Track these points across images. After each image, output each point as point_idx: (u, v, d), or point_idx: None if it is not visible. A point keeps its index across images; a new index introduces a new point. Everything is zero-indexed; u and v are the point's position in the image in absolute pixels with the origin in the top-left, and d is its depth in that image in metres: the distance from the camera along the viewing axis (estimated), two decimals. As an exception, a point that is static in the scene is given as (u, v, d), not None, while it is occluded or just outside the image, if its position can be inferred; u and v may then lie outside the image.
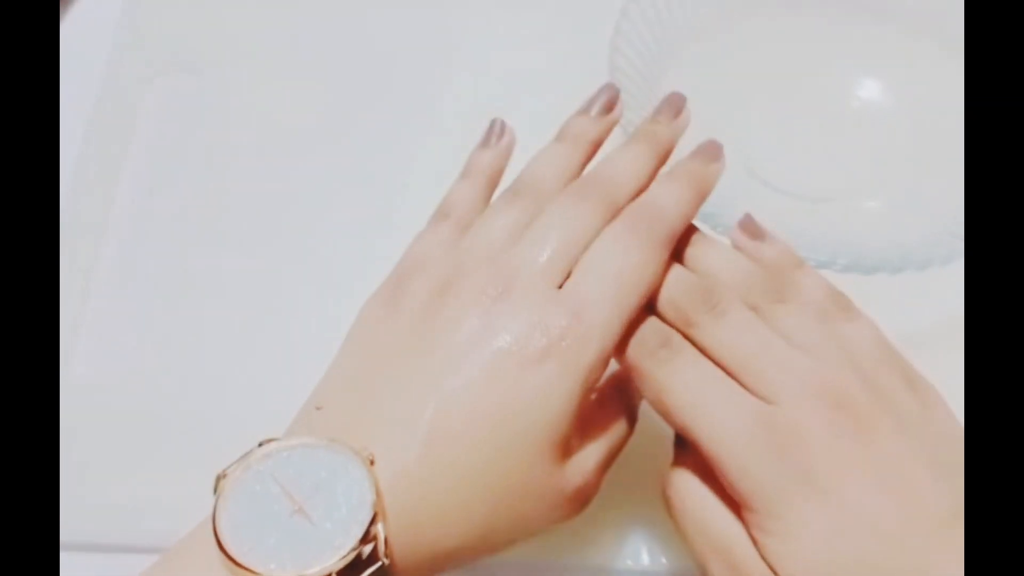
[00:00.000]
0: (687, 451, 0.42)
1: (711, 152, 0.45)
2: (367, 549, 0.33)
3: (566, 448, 0.39)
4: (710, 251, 0.44)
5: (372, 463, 0.35)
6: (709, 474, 0.40)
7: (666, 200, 0.42)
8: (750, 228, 0.44)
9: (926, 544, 0.35)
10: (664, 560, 0.50)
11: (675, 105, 0.46)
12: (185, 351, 0.58)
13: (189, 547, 0.35)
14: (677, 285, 0.41)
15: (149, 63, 0.67)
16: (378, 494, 0.34)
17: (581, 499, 0.41)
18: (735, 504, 0.39)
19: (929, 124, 0.61)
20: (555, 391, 0.37)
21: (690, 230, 0.44)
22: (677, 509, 0.41)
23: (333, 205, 0.63)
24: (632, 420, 0.44)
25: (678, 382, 0.39)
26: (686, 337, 0.40)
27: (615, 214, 0.41)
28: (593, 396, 0.43)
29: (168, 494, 0.48)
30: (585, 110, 0.46)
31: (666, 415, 0.40)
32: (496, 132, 0.47)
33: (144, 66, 0.67)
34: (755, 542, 0.38)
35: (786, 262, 0.43)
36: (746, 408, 0.38)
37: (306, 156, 0.65)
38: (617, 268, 0.39)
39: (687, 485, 0.41)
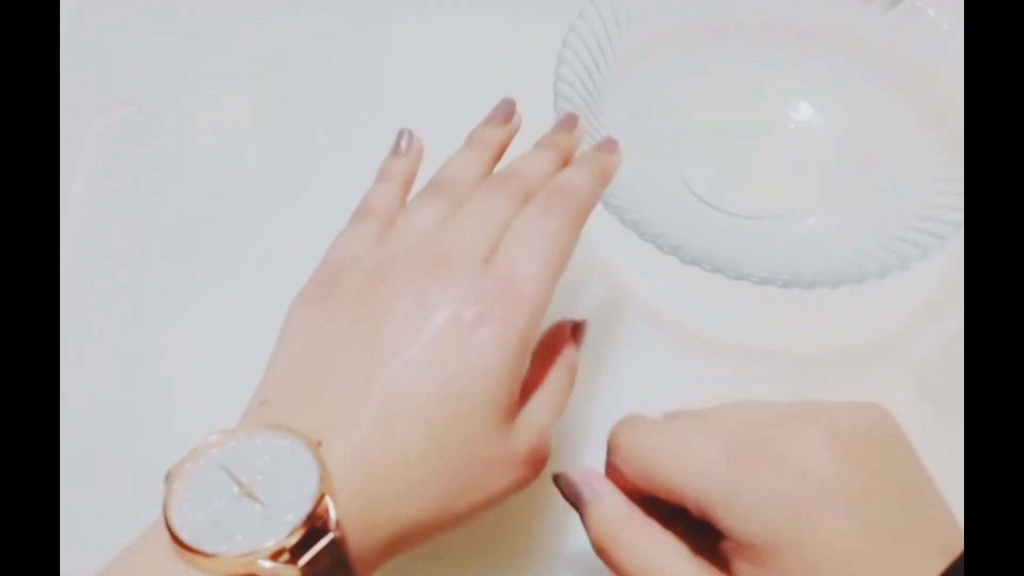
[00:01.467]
0: (605, 494, 0.41)
1: (609, 145, 0.50)
2: (317, 525, 0.34)
3: (512, 411, 0.40)
4: None
5: (319, 445, 0.36)
6: (632, 517, 0.40)
7: (574, 179, 0.46)
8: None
9: (900, 567, 0.35)
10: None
11: (570, 122, 0.51)
12: (134, 384, 0.58)
13: (144, 541, 0.36)
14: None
15: (92, 96, 0.69)
16: (325, 473, 0.35)
17: (536, 461, 0.42)
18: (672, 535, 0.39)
19: (860, 144, 0.64)
20: (495, 355, 0.39)
21: None
22: (614, 558, 0.40)
23: (282, 235, 0.64)
24: (571, 375, 0.46)
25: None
26: None
27: (528, 200, 0.44)
28: (529, 359, 0.44)
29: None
30: (488, 121, 0.51)
31: (647, 483, 0.40)
32: (405, 140, 0.51)
33: (88, 99, 0.68)
34: (730, 570, 0.37)
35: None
36: (717, 444, 0.38)
37: (253, 187, 0.66)
38: (538, 236, 0.42)
39: (617, 531, 0.40)
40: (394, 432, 0.37)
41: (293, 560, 0.33)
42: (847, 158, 0.64)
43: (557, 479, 0.43)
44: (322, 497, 0.34)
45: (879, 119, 0.64)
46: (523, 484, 0.42)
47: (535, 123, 0.53)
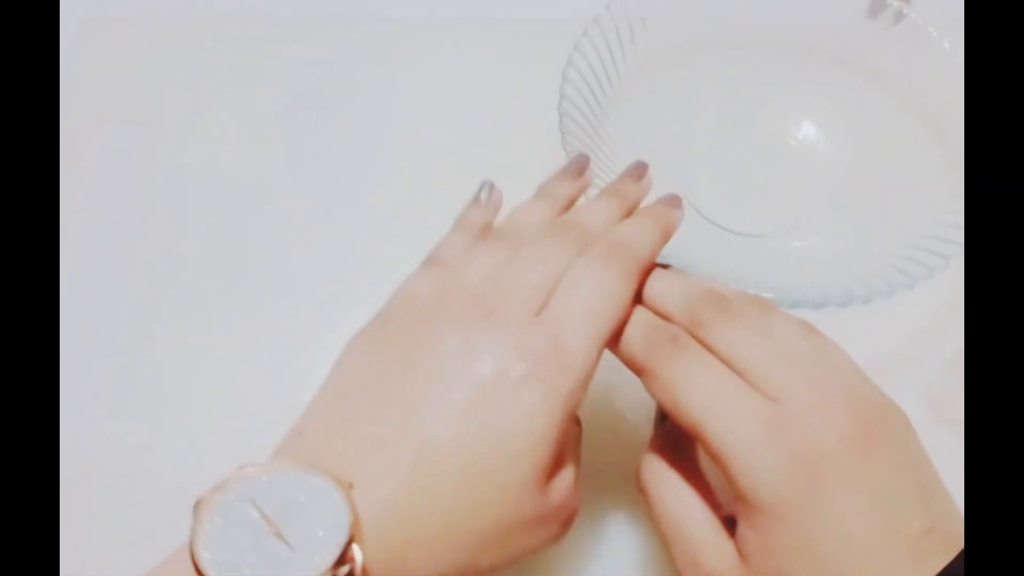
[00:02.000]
0: (662, 440, 0.44)
1: (673, 200, 0.49)
2: (344, 571, 0.34)
3: (550, 473, 0.40)
4: (700, 278, 0.46)
5: (351, 487, 0.35)
6: (680, 464, 0.43)
7: (634, 235, 0.45)
8: None
9: (899, 561, 0.37)
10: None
11: (639, 170, 0.50)
12: (133, 407, 0.59)
13: (167, 571, 0.36)
14: (690, 292, 0.44)
15: (93, 112, 0.69)
16: (355, 517, 0.34)
17: (565, 519, 0.42)
18: (707, 493, 0.42)
19: (863, 162, 0.64)
20: (538, 417, 0.39)
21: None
22: (648, 495, 0.44)
23: (283, 251, 0.64)
24: (579, 426, 0.45)
25: (687, 378, 0.41)
26: (694, 338, 0.42)
27: (587, 250, 0.44)
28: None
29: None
30: (560, 173, 0.50)
31: (674, 410, 0.41)
32: (486, 191, 0.50)
33: (88, 115, 0.68)
34: (735, 532, 0.40)
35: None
36: (754, 406, 0.39)
37: (254, 206, 0.66)
38: (591, 295, 0.42)
39: (659, 472, 0.43)
40: (426, 483, 0.37)
41: None
42: (850, 176, 0.64)
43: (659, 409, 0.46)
44: (350, 543, 0.34)
45: (882, 137, 0.64)
46: (552, 541, 0.42)
47: (540, 143, 0.54)
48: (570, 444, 0.43)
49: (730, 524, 0.41)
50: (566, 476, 0.41)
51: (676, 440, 0.45)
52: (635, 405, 0.48)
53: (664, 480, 0.43)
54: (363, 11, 0.74)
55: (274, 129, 0.69)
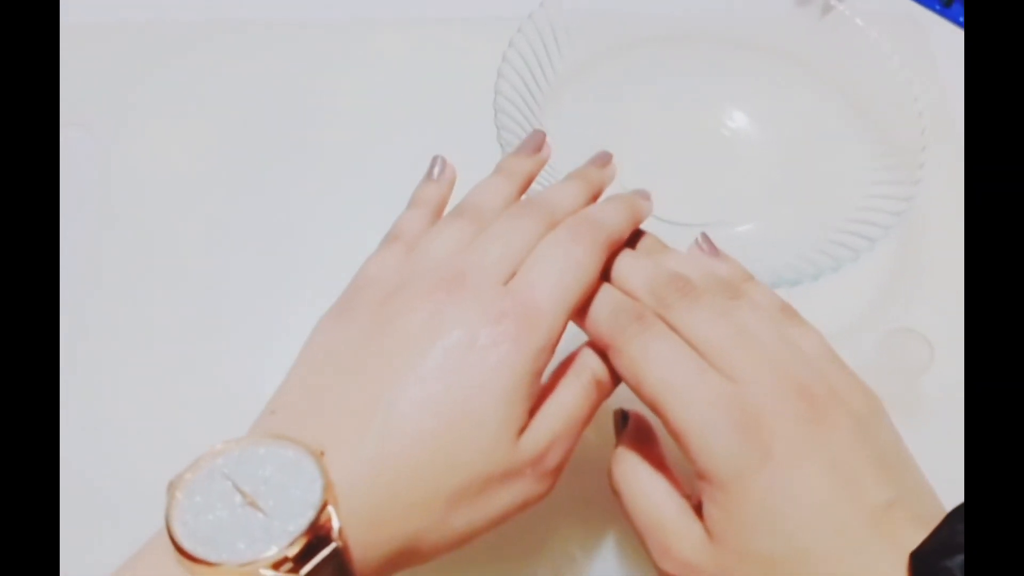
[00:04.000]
0: (628, 433, 0.46)
1: (644, 193, 0.51)
2: (319, 535, 0.34)
3: (519, 428, 0.41)
4: (677, 257, 0.48)
5: (322, 455, 0.36)
6: (647, 457, 0.45)
7: (602, 215, 0.47)
8: (706, 247, 0.49)
9: (863, 533, 0.38)
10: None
11: (604, 159, 0.53)
12: (101, 410, 0.59)
13: (147, 550, 0.36)
14: (655, 274, 0.45)
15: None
16: (328, 482, 0.35)
17: (541, 473, 0.42)
18: (675, 482, 0.43)
19: (793, 150, 0.67)
20: (505, 377, 0.40)
21: (661, 244, 0.50)
22: (618, 488, 0.45)
23: (230, 259, 0.65)
24: (592, 388, 0.45)
25: (650, 355, 0.42)
26: (660, 318, 0.44)
27: (554, 227, 0.45)
28: (545, 379, 0.44)
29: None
30: (517, 151, 0.52)
31: (636, 387, 0.42)
32: (438, 167, 0.51)
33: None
34: (700, 512, 0.41)
35: (738, 275, 0.48)
36: (713, 385, 0.41)
37: (200, 210, 0.67)
38: (559, 263, 0.43)
39: (628, 465, 0.45)
40: (397, 445, 0.38)
41: (295, 570, 0.34)
42: (781, 164, 0.66)
43: (617, 412, 0.48)
44: (324, 506, 0.35)
45: (811, 126, 0.66)
46: (531, 499, 0.42)
47: (476, 138, 0.56)
48: (549, 403, 0.43)
49: (699, 509, 0.42)
50: (540, 429, 0.42)
51: (641, 434, 0.46)
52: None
53: (632, 474, 0.45)
54: (308, 15, 0.77)
55: (222, 136, 0.70)
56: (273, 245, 0.65)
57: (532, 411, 0.42)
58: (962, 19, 0.80)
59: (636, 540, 0.44)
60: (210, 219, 0.66)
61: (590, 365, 0.45)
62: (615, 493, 0.45)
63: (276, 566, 0.34)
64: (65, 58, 0.68)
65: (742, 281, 0.48)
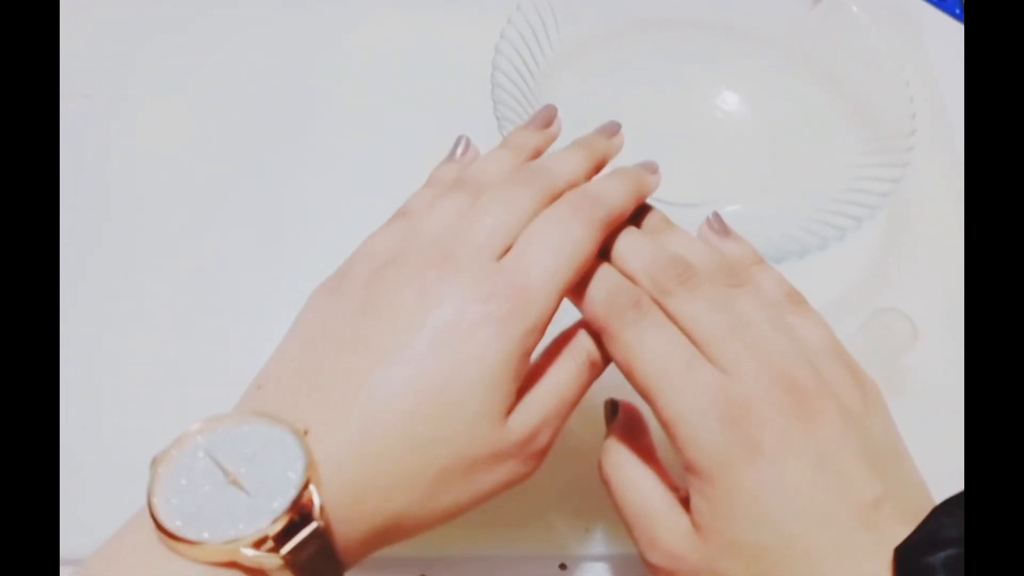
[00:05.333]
0: (619, 423, 0.46)
1: (651, 166, 0.50)
2: (301, 514, 0.35)
3: (506, 408, 0.41)
4: (682, 238, 0.47)
5: (306, 434, 0.36)
6: (635, 449, 0.45)
7: (604, 190, 0.45)
8: (716, 226, 0.49)
9: (848, 528, 0.38)
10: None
11: (612, 128, 0.52)
12: (99, 383, 0.60)
13: (129, 528, 0.36)
14: (656, 257, 0.45)
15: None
16: (311, 461, 0.35)
17: (528, 454, 0.42)
18: (663, 474, 0.43)
19: (784, 132, 0.67)
20: (490, 355, 0.39)
21: (666, 221, 0.49)
22: (607, 478, 0.45)
23: (231, 232, 0.66)
24: (583, 370, 0.45)
25: (644, 343, 0.42)
26: (657, 304, 0.43)
27: (552, 200, 0.44)
28: (536, 358, 0.44)
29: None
30: (526, 125, 0.51)
31: (627, 374, 0.42)
32: (461, 146, 0.51)
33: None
34: (689, 505, 0.41)
35: (747, 258, 0.48)
36: (704, 376, 0.40)
37: (200, 181, 0.67)
38: (555, 241, 0.42)
39: (617, 456, 0.45)
40: (382, 424, 0.38)
41: (276, 548, 0.34)
42: (771, 146, 0.67)
43: (608, 402, 0.48)
44: (307, 485, 0.35)
45: (802, 109, 0.67)
46: (516, 479, 0.42)
47: (472, 120, 0.55)
48: (539, 384, 0.44)
49: (687, 502, 0.42)
50: (528, 410, 0.42)
51: (631, 425, 0.46)
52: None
53: (620, 465, 0.45)
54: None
55: (224, 108, 0.71)
56: (273, 219, 0.66)
57: (520, 391, 0.42)
58: (957, 10, 0.80)
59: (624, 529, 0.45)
60: (210, 193, 0.67)
61: (584, 346, 0.45)
62: (604, 483, 0.46)
63: (257, 544, 0.34)
64: (67, 27, 0.69)
65: (750, 265, 0.47)
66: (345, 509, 0.37)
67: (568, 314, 0.45)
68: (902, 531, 0.37)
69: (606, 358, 0.45)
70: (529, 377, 0.43)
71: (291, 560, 0.35)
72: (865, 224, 0.57)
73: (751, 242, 0.51)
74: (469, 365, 0.39)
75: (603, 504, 0.47)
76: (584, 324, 0.46)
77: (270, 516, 0.35)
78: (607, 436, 0.47)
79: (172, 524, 0.34)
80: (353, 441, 0.38)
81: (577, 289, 0.44)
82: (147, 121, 0.70)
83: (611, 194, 0.46)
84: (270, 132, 0.70)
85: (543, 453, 0.43)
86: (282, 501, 0.35)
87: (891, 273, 0.66)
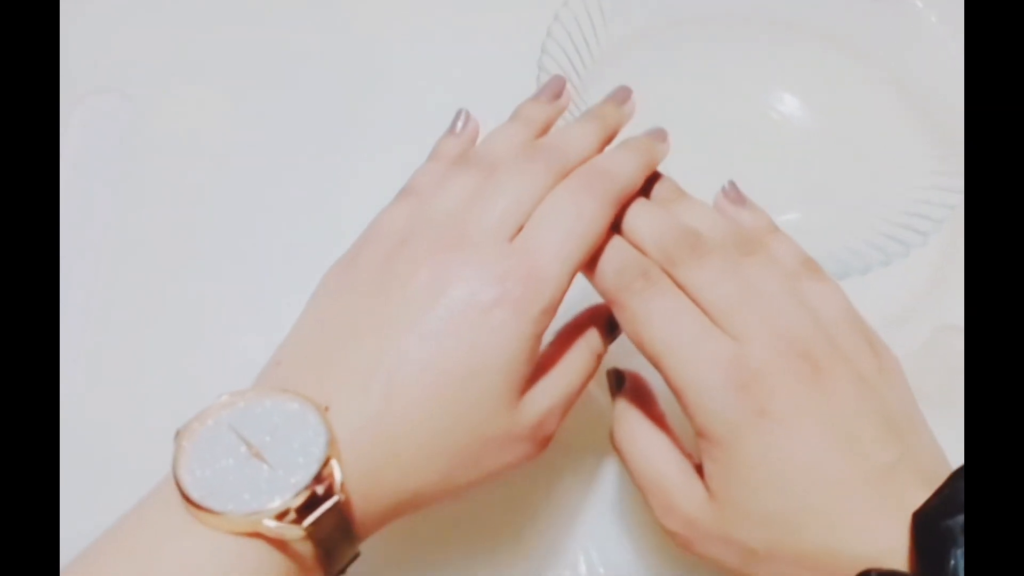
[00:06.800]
0: (627, 392, 0.51)
1: (659, 134, 0.55)
2: (322, 488, 0.40)
3: (521, 391, 0.46)
4: (693, 207, 0.52)
5: (327, 410, 0.42)
6: (647, 413, 0.50)
7: (614, 165, 0.50)
8: (732, 195, 0.54)
9: (862, 491, 0.43)
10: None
11: (623, 95, 0.56)
12: (112, 378, 0.66)
13: (154, 498, 0.42)
14: (666, 228, 0.49)
15: (76, 84, 0.75)
16: (332, 437, 0.41)
17: (538, 438, 0.48)
18: (676, 441, 0.49)
19: (845, 137, 0.71)
20: (507, 337, 0.45)
21: (678, 191, 0.54)
22: (620, 447, 0.50)
23: (261, 228, 0.71)
24: (591, 360, 0.51)
25: (653, 313, 0.47)
26: (667, 275, 0.48)
27: (564, 176, 0.49)
28: (550, 340, 0.50)
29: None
30: (535, 96, 0.56)
31: (639, 345, 0.47)
32: (462, 120, 0.56)
33: (72, 87, 0.75)
34: (701, 468, 0.46)
35: (762, 226, 0.53)
36: (715, 343, 0.46)
37: (235, 178, 0.73)
38: (568, 222, 0.47)
39: (629, 425, 0.50)
40: (401, 403, 0.43)
41: (298, 520, 0.39)
42: (830, 151, 0.70)
43: (611, 372, 0.53)
44: (328, 460, 0.40)
45: (865, 112, 0.70)
46: (525, 459, 0.48)
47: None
48: (551, 367, 0.49)
49: (700, 469, 0.47)
50: (541, 395, 0.48)
51: (639, 394, 0.52)
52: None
53: (633, 434, 0.50)
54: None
55: (260, 103, 0.78)
56: (303, 216, 0.72)
57: (533, 375, 0.47)
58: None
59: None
60: (242, 190, 0.73)
61: (590, 336, 0.51)
62: (617, 451, 0.51)
63: (279, 517, 0.39)
64: (99, 20, 0.76)
65: (764, 233, 0.52)
66: (362, 484, 0.42)
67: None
68: (919, 495, 0.41)
69: (606, 345, 0.52)
70: (541, 361, 0.49)
71: (312, 532, 0.40)
72: (931, 238, 0.60)
73: (811, 253, 0.54)
74: (485, 346, 0.45)
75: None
76: (592, 312, 0.52)
77: (293, 489, 0.40)
78: (616, 405, 0.52)
79: (197, 495, 0.40)
80: (371, 420, 0.43)
81: (589, 263, 0.50)
82: (184, 116, 0.77)
83: (622, 169, 0.51)
84: (310, 129, 0.76)
85: (550, 437, 0.49)
86: (305, 475, 0.40)
87: (951, 289, 0.69)
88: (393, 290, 0.46)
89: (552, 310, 0.47)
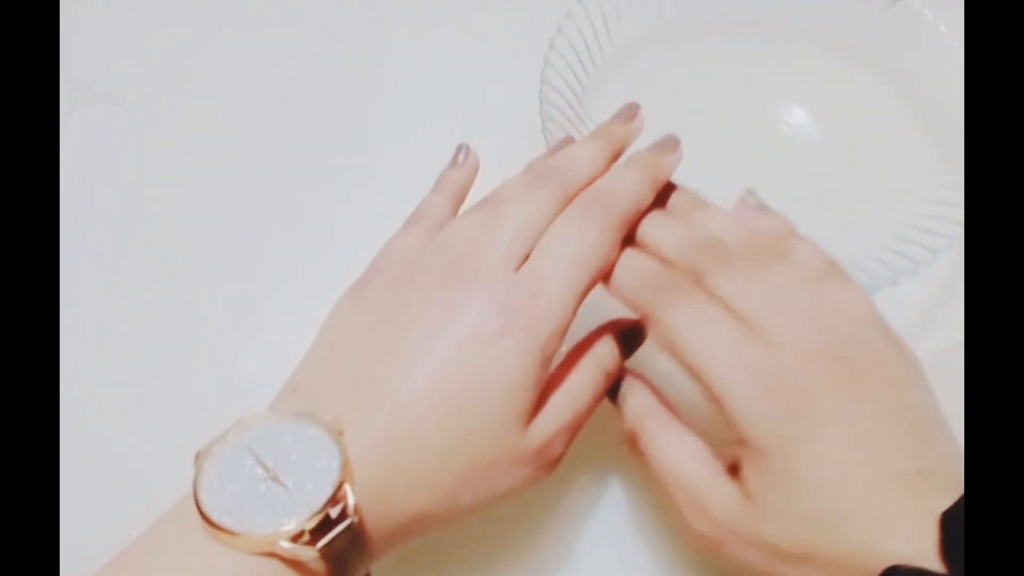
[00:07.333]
0: (641, 396, 0.54)
1: (669, 144, 0.58)
2: (336, 511, 0.43)
3: (527, 417, 0.49)
4: (715, 216, 0.55)
5: (341, 435, 0.45)
6: (668, 414, 0.52)
7: (619, 186, 0.54)
8: (751, 202, 0.56)
9: (894, 496, 0.45)
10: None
11: (631, 111, 0.59)
12: (107, 387, 0.68)
13: (173, 517, 0.45)
14: (689, 239, 0.52)
15: (71, 92, 0.77)
16: (346, 462, 0.44)
17: (545, 461, 0.51)
18: (703, 444, 0.51)
19: (854, 150, 0.72)
20: (512, 366, 0.48)
21: (696, 200, 0.56)
22: (648, 452, 0.52)
23: (260, 232, 0.74)
24: (600, 378, 0.54)
25: (685, 324, 0.49)
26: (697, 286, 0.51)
27: (569, 200, 0.52)
28: (556, 364, 0.52)
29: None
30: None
31: (676, 356, 0.50)
32: (463, 153, 0.60)
33: (66, 95, 0.77)
34: (739, 474, 0.48)
35: (781, 230, 0.55)
36: (751, 351, 0.48)
37: (230, 186, 0.76)
38: (572, 249, 0.50)
39: (653, 425, 0.53)
40: (408, 425, 0.46)
41: (312, 542, 0.43)
42: (840, 164, 0.72)
43: None
44: (342, 484, 0.44)
45: (874, 124, 0.72)
46: (532, 482, 0.51)
47: (520, 128, 0.64)
48: (558, 391, 0.52)
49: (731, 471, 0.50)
50: (548, 418, 0.50)
51: (653, 396, 0.54)
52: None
53: (661, 437, 0.52)
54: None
55: (256, 112, 0.80)
56: (303, 230, 0.74)
57: (540, 399, 0.50)
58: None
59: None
60: (242, 202, 0.75)
61: (601, 356, 0.54)
62: (638, 454, 0.53)
63: (294, 538, 0.43)
64: (95, 28, 0.78)
65: (785, 238, 0.54)
66: (374, 506, 0.45)
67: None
68: (944, 499, 0.44)
69: (620, 365, 0.54)
70: (548, 384, 0.51)
71: (326, 553, 0.43)
72: (942, 256, 0.61)
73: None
74: (492, 373, 0.48)
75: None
76: (601, 330, 0.55)
77: (309, 511, 0.43)
78: (629, 408, 0.54)
79: (216, 515, 0.43)
80: (379, 442, 0.46)
81: (606, 277, 0.53)
82: (181, 126, 0.79)
83: (627, 189, 0.54)
84: (308, 138, 0.79)
85: (558, 460, 0.52)
86: (319, 498, 0.43)
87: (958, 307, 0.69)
88: (404, 321, 0.49)
89: (558, 336, 0.50)
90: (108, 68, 0.80)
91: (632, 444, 0.54)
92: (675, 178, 0.58)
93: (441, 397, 0.47)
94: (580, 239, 0.51)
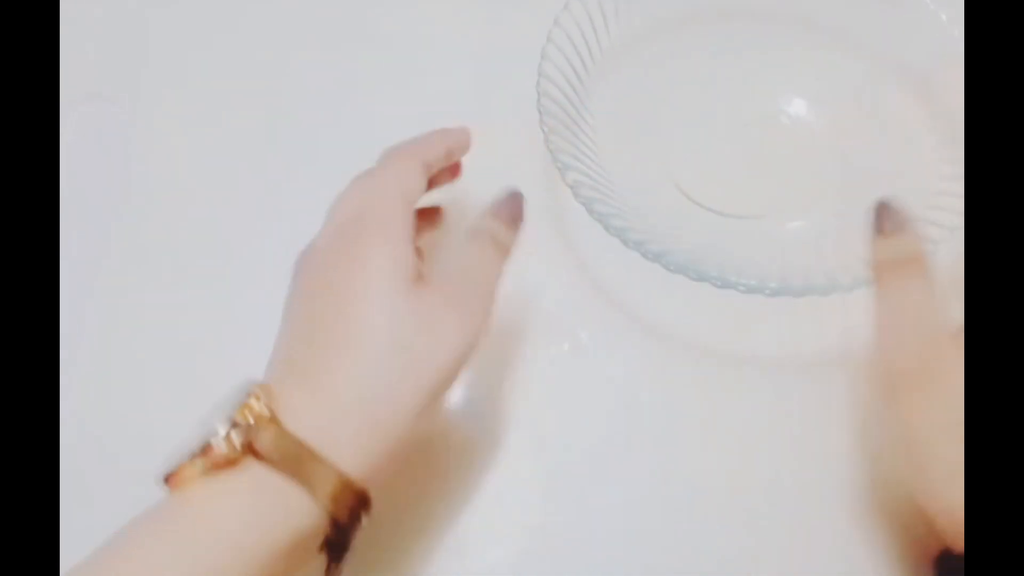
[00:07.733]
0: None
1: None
2: (249, 416, 0.48)
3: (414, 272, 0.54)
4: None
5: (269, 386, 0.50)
6: None
7: None
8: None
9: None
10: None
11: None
12: (102, 382, 0.70)
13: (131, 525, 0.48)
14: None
15: (68, 92, 0.78)
16: (252, 384, 0.49)
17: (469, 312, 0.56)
18: None
19: (855, 141, 0.73)
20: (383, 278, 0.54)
21: None
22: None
23: (258, 235, 0.75)
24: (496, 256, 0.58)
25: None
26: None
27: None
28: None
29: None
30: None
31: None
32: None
33: (66, 95, 0.77)
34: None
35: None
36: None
37: (229, 185, 0.78)
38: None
39: None
40: (328, 349, 0.52)
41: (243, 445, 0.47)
42: (841, 157, 0.72)
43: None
44: (249, 396, 0.49)
45: (875, 115, 0.72)
46: (463, 335, 0.55)
47: (518, 122, 0.65)
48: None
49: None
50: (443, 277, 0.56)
51: None
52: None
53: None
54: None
55: (247, 109, 0.81)
56: (303, 230, 0.73)
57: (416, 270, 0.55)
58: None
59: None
60: (242, 201, 0.77)
61: (488, 227, 0.57)
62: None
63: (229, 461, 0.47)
64: (87, 27, 0.80)
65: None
66: (351, 451, 0.50)
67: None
68: None
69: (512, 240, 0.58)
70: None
71: (251, 448, 0.48)
72: (942, 248, 0.62)
73: (815, 263, 0.59)
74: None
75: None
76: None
77: (224, 423, 0.48)
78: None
79: (162, 471, 0.48)
80: (315, 379, 0.52)
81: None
82: (168, 123, 0.81)
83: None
84: (301, 134, 0.81)
85: (483, 314, 0.56)
86: (228, 408, 0.48)
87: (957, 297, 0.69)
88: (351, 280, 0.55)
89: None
90: (108, 68, 0.83)
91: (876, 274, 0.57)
92: (676, 172, 0.59)
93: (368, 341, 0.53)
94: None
